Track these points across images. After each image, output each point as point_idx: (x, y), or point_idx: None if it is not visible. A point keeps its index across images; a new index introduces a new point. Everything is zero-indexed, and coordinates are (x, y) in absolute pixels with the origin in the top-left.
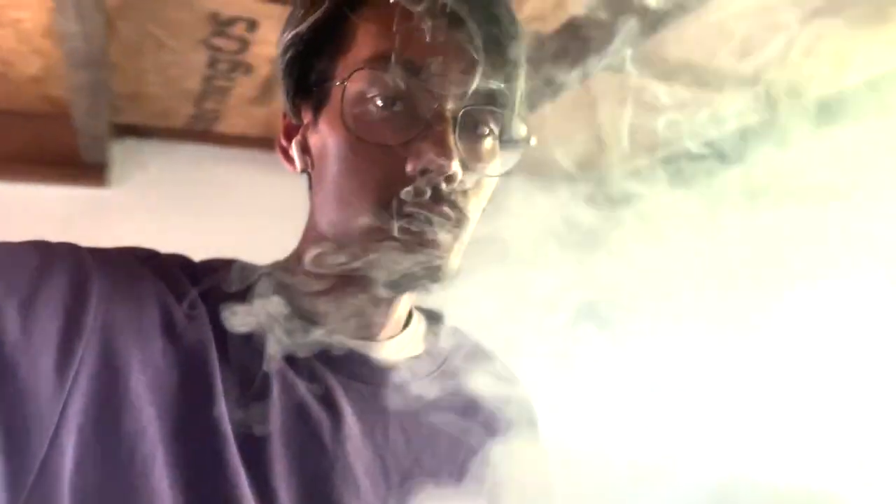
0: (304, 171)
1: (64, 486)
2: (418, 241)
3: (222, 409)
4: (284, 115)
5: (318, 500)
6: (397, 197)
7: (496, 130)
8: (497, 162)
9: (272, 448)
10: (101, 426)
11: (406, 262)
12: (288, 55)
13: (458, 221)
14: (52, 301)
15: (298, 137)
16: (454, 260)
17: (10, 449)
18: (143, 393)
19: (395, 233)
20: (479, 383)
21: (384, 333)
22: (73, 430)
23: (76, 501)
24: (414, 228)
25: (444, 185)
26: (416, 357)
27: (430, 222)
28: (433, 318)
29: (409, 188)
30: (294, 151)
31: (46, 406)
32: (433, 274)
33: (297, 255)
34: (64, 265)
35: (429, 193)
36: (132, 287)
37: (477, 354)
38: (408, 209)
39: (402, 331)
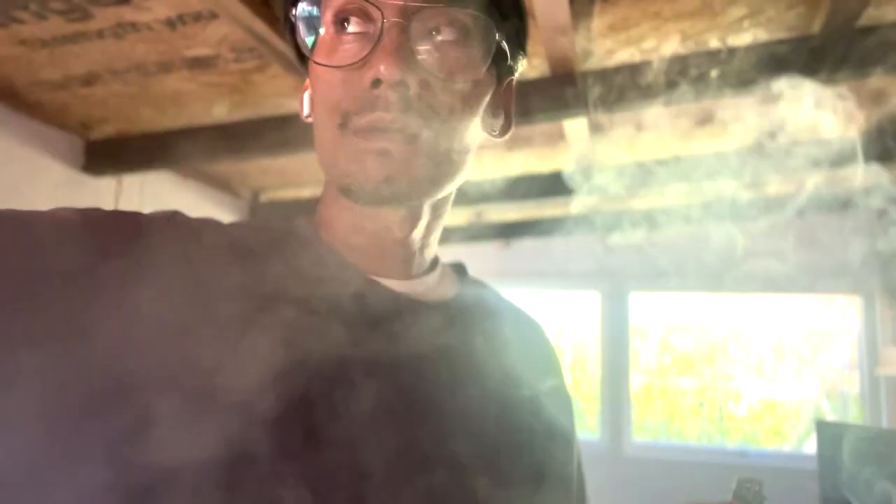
0: (308, 117)
1: None
2: (374, 150)
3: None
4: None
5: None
6: (355, 113)
7: (471, 32)
8: (470, 66)
9: (334, 390)
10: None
11: (369, 174)
12: (283, 8)
13: (416, 131)
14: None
15: (309, 90)
16: (427, 169)
17: None
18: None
19: (355, 145)
20: (514, 331)
21: (410, 270)
22: None
23: None
24: (369, 142)
25: (393, 95)
26: (449, 300)
27: (382, 133)
28: (458, 269)
29: (361, 105)
30: (305, 101)
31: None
32: (403, 185)
33: (322, 200)
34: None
35: (381, 107)
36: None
37: (509, 306)
38: (360, 123)
39: (429, 272)
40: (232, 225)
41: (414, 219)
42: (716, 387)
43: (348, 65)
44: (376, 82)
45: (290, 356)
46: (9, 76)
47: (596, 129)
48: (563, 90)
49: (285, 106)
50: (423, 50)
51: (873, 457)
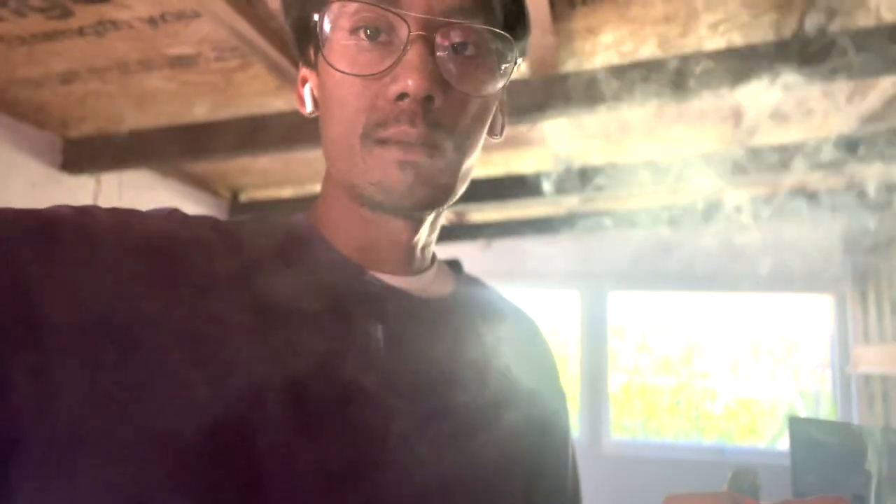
0: (312, 114)
1: None
2: (402, 160)
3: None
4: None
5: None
6: (379, 124)
7: (489, 47)
8: (491, 80)
9: (327, 388)
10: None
11: (395, 184)
12: (293, 11)
13: (441, 143)
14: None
15: (309, 83)
16: (445, 180)
17: None
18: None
19: (380, 155)
20: (511, 328)
21: (411, 267)
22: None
23: None
24: (393, 154)
25: (419, 108)
26: (447, 296)
27: (408, 146)
28: (453, 266)
29: (386, 116)
30: (306, 95)
31: None
32: (424, 195)
33: (320, 199)
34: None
35: (406, 119)
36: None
37: (504, 301)
38: (385, 135)
39: (427, 268)
40: (231, 223)
41: (419, 222)
42: (692, 386)
43: (372, 74)
44: (402, 96)
45: (290, 356)
46: None
47: (575, 130)
48: (543, 91)
49: (267, 105)
50: (446, 64)
51: (845, 451)
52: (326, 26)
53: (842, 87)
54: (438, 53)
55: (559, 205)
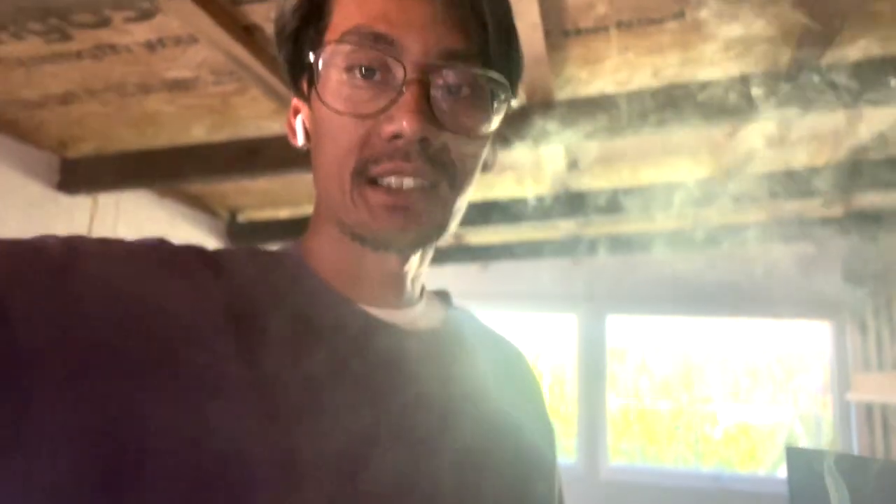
0: (304, 146)
1: None
2: (392, 204)
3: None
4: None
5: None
6: (372, 160)
7: (483, 89)
8: (485, 121)
9: (315, 417)
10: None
11: (384, 227)
12: (280, 33)
13: (436, 181)
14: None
15: (301, 114)
16: (438, 220)
17: None
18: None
19: (371, 198)
20: (499, 359)
21: (401, 301)
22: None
23: None
24: (387, 195)
25: (415, 149)
26: (438, 328)
27: (400, 185)
28: (441, 296)
29: (378, 153)
30: (298, 126)
31: None
32: (415, 236)
33: (309, 231)
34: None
35: (400, 156)
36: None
37: (492, 333)
38: (377, 171)
39: (417, 302)
40: (220, 253)
41: (409, 256)
42: (692, 410)
43: (368, 115)
44: (397, 136)
45: (278, 390)
46: None
47: (572, 153)
48: (539, 119)
49: (264, 128)
50: (442, 106)
51: (843, 482)
52: (321, 64)
53: (839, 115)
54: (433, 94)
55: (557, 228)
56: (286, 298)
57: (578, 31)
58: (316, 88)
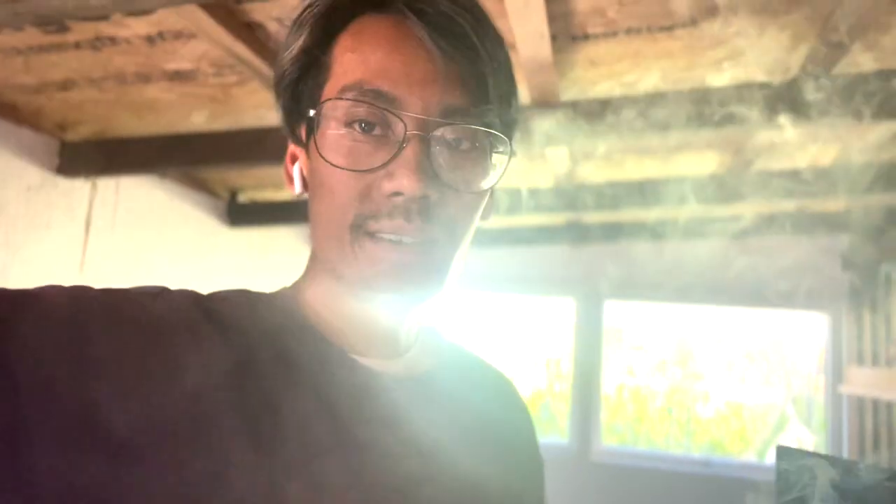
0: (301, 195)
1: None
2: (393, 258)
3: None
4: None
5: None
6: (371, 216)
7: (482, 144)
8: (485, 175)
9: (306, 467)
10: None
11: (384, 281)
12: (278, 83)
13: (435, 238)
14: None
15: (299, 161)
16: (437, 275)
17: None
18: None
19: (372, 251)
20: (491, 395)
21: (396, 350)
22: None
23: None
24: (387, 251)
25: (413, 206)
26: (428, 372)
27: (399, 240)
28: (432, 335)
29: (378, 209)
30: (295, 174)
31: None
32: (414, 291)
33: (305, 278)
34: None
35: (400, 215)
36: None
37: (483, 368)
38: (376, 227)
39: (410, 347)
40: (216, 300)
41: (406, 311)
42: (685, 389)
43: (367, 170)
44: (397, 194)
45: (278, 448)
46: None
47: (576, 153)
48: (544, 121)
49: (265, 118)
50: (442, 162)
51: (832, 486)
52: (321, 117)
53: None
54: (433, 149)
55: (557, 216)
56: (285, 356)
57: (587, 36)
58: (315, 141)
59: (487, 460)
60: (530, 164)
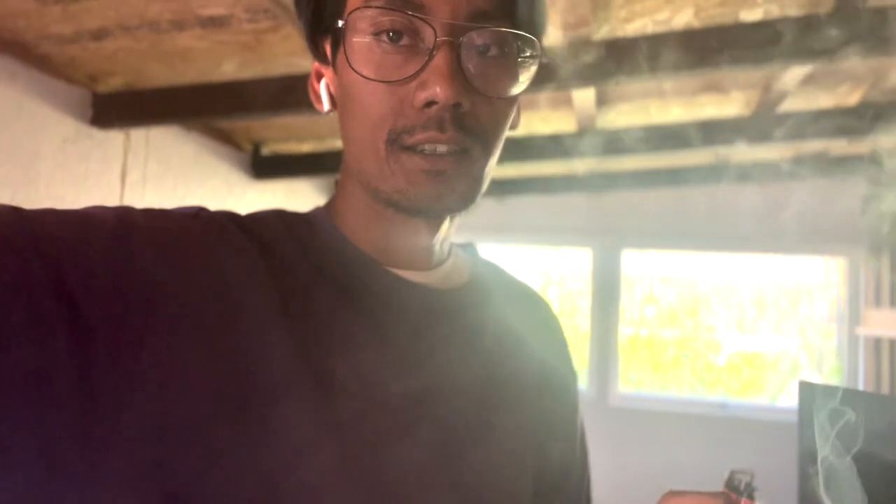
0: (329, 111)
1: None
2: (430, 169)
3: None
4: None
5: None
6: (406, 131)
7: (511, 48)
8: (515, 81)
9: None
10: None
11: (422, 192)
12: (307, 13)
13: (468, 146)
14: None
15: (325, 78)
16: (472, 184)
17: None
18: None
19: (408, 164)
20: (527, 310)
21: (430, 262)
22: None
23: None
24: (423, 161)
25: (447, 115)
26: (466, 284)
27: (434, 150)
28: (468, 250)
29: (412, 123)
30: (322, 92)
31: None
32: (451, 201)
33: (338, 196)
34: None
35: (434, 126)
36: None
37: (518, 285)
38: (412, 141)
39: (445, 260)
40: (252, 219)
41: (441, 222)
42: (697, 338)
43: (398, 81)
44: (430, 103)
45: (315, 353)
46: (19, 30)
47: (603, 95)
48: (575, 59)
49: (298, 66)
50: (473, 68)
51: (855, 418)
52: (347, 28)
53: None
54: (463, 56)
55: (576, 164)
56: (324, 270)
57: None
58: (345, 53)
59: (526, 367)
60: (554, 111)
